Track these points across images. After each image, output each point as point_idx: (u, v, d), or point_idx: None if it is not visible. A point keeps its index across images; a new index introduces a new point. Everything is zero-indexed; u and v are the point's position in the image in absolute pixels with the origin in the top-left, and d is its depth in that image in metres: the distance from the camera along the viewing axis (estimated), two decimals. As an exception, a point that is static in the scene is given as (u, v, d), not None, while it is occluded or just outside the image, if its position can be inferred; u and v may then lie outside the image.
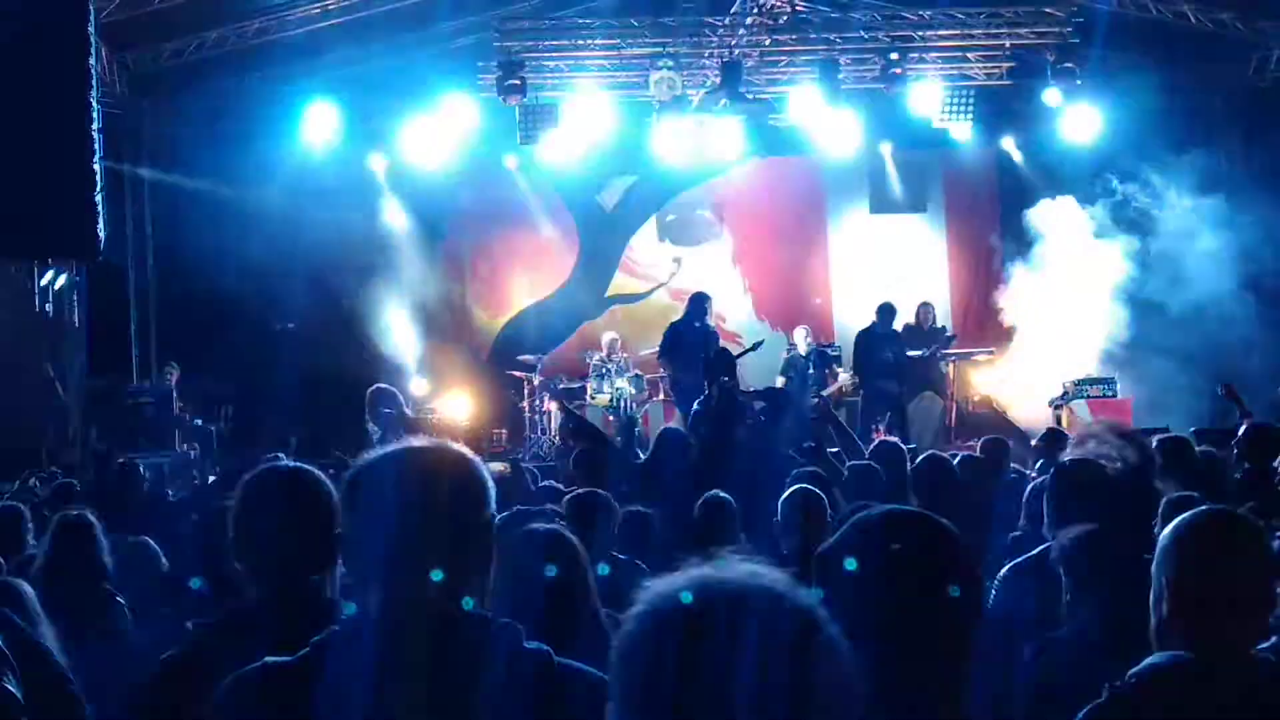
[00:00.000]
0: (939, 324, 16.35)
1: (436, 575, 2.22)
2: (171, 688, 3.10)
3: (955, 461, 8.12)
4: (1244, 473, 6.70)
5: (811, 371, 15.43)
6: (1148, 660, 2.84)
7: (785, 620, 1.46)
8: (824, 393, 15.09)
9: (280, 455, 10.46)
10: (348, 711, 2.16)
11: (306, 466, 3.35)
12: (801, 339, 15.85)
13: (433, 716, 2.16)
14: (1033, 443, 10.54)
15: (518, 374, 16.20)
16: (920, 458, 7.28)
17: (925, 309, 16.24)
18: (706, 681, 1.43)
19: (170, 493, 9.82)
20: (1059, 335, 16.43)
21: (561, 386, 15.81)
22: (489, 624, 2.28)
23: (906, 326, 15.86)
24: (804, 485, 6.11)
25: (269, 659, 2.36)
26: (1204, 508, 3.11)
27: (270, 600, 3.08)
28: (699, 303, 14.92)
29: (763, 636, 1.43)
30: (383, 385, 11.58)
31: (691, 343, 14.16)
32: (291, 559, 3.10)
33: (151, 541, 5.48)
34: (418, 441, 2.47)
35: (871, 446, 8.71)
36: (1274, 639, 3.10)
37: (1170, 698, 2.74)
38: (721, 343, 14.17)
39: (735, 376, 11.99)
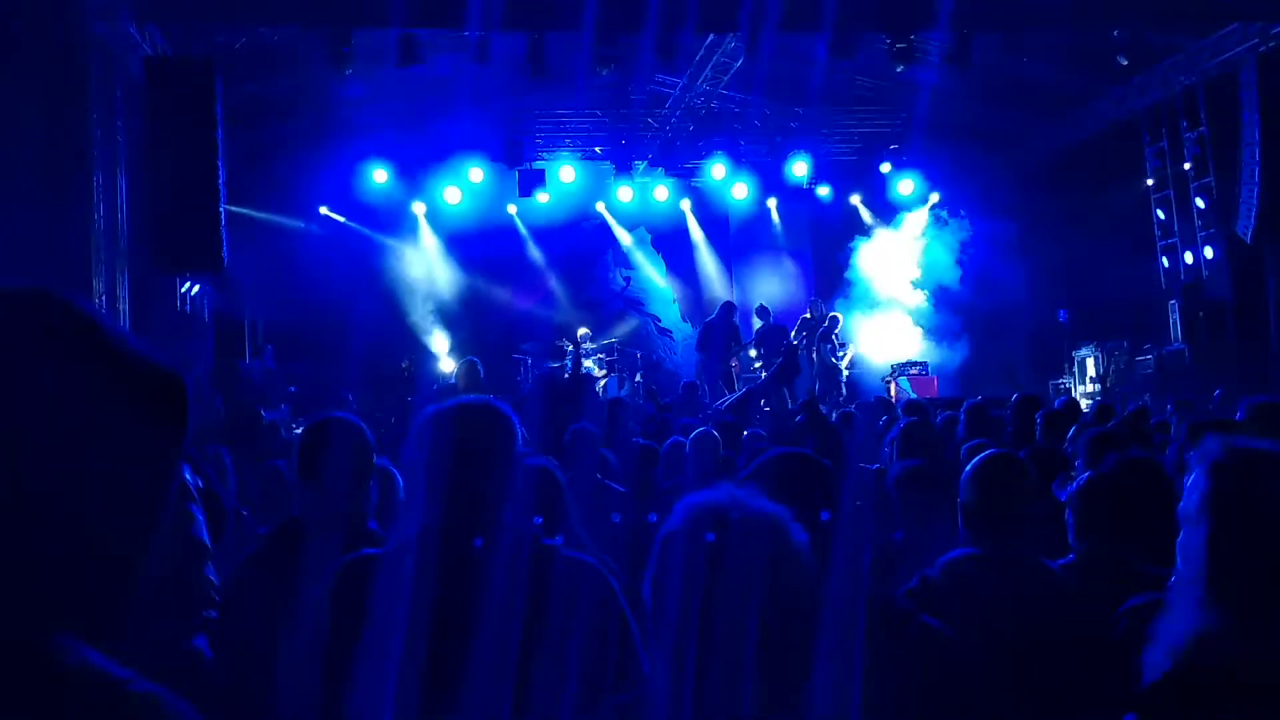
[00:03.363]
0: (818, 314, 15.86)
1: (503, 496, 2.24)
2: (262, 562, 2.99)
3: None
4: (1014, 428, 6.80)
5: None
6: (944, 556, 2.88)
7: (759, 523, 1.58)
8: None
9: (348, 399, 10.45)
10: (422, 589, 2.14)
11: (351, 418, 3.10)
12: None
13: (482, 590, 2.14)
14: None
15: (515, 356, 16.26)
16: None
17: (816, 304, 16.02)
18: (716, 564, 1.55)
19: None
20: (892, 330, 16.68)
21: (548, 364, 15.80)
22: (521, 526, 2.29)
23: (804, 320, 15.65)
24: (707, 428, 5.98)
25: (366, 550, 2.35)
26: (987, 451, 3.12)
27: (326, 514, 2.93)
28: (727, 309, 15.05)
29: (747, 531, 1.55)
30: None
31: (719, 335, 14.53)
32: (342, 483, 2.93)
33: (282, 467, 5.33)
34: (468, 397, 2.41)
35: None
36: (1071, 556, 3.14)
37: (955, 580, 2.79)
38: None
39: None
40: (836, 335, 15.52)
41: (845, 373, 15.30)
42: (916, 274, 17.24)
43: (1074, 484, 3.30)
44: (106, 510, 0.96)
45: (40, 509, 0.92)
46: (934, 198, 17.40)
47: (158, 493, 1.01)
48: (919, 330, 16.91)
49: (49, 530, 0.93)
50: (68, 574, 0.94)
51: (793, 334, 15.38)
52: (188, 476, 1.96)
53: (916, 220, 17.48)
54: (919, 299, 17.11)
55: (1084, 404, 10.47)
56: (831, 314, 15.76)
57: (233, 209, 11.16)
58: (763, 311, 15.73)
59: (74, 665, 0.91)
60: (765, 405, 12.67)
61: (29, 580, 0.92)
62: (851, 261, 17.51)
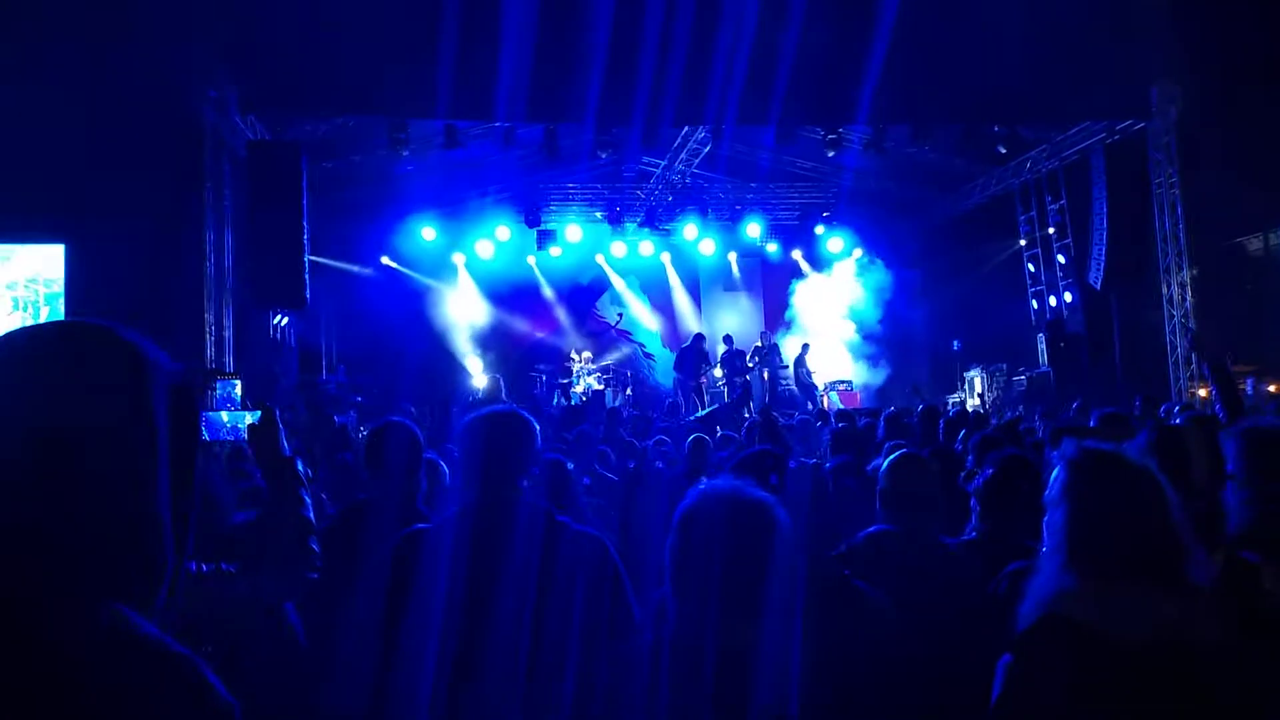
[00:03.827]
0: (767, 343, 15.74)
1: (524, 483, 2.22)
2: (334, 535, 2.91)
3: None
4: (920, 431, 6.74)
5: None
6: (864, 530, 2.79)
7: (755, 505, 1.59)
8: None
9: (411, 410, 10.33)
10: (460, 556, 2.12)
11: (405, 422, 3.05)
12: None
13: (507, 556, 2.13)
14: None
15: (532, 373, 16.18)
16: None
17: (765, 336, 15.98)
18: (717, 536, 1.56)
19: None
20: (825, 355, 16.66)
21: (558, 381, 15.76)
22: (538, 505, 2.26)
23: (756, 348, 15.47)
24: (698, 434, 5.88)
25: (418, 524, 2.31)
26: (901, 450, 3.08)
27: (385, 497, 2.92)
28: (698, 339, 15.05)
29: (744, 512, 1.56)
30: None
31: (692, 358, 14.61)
32: (398, 472, 2.91)
33: (349, 459, 5.26)
34: (497, 406, 2.41)
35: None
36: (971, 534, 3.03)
37: (871, 548, 2.72)
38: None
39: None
40: (799, 360, 15.42)
41: (820, 389, 15.05)
42: (844, 311, 17.28)
43: (976, 480, 3.26)
44: (144, 486, 0.92)
45: (96, 493, 0.89)
46: (857, 252, 17.44)
47: (185, 469, 0.97)
48: (847, 355, 16.93)
49: (101, 508, 0.89)
50: (112, 546, 0.89)
51: (748, 357, 15.40)
52: (300, 467, 1.96)
53: (844, 270, 17.52)
54: (846, 330, 17.14)
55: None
56: (804, 341, 15.68)
57: (314, 259, 11.12)
58: (727, 339, 15.74)
59: (116, 627, 0.86)
60: (732, 416, 12.61)
61: (81, 554, 0.87)
62: (791, 301, 17.58)
